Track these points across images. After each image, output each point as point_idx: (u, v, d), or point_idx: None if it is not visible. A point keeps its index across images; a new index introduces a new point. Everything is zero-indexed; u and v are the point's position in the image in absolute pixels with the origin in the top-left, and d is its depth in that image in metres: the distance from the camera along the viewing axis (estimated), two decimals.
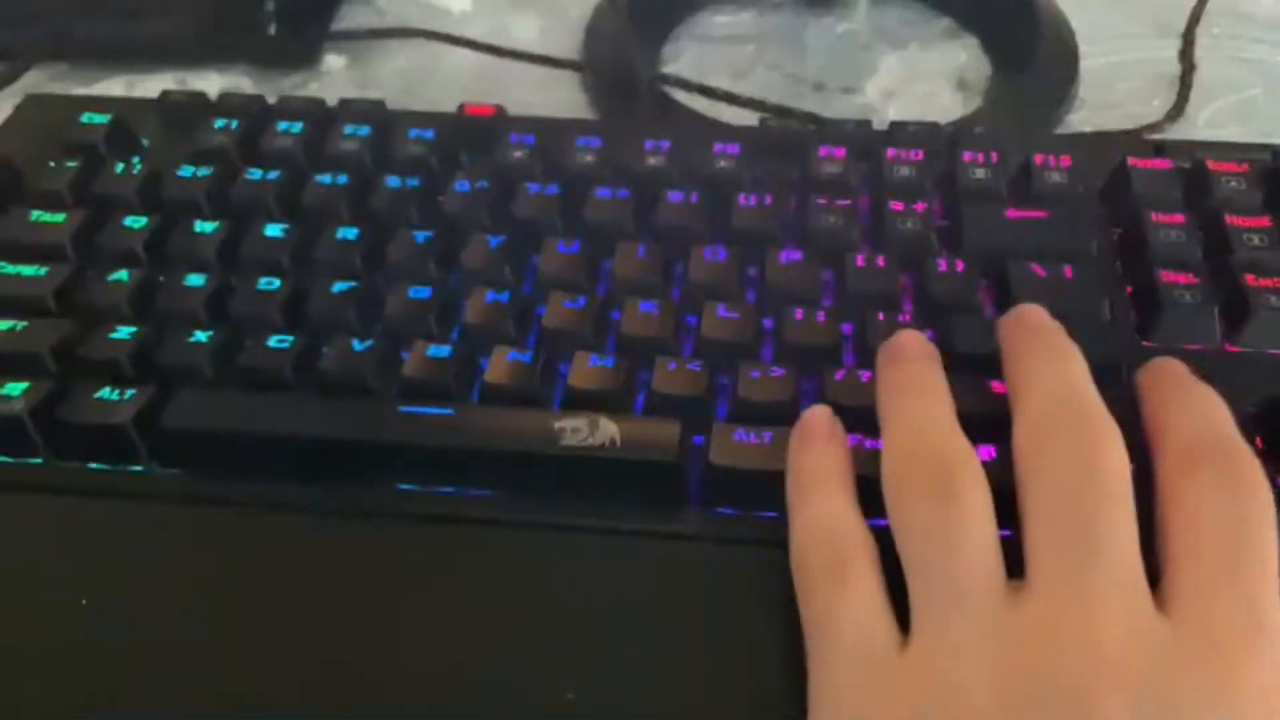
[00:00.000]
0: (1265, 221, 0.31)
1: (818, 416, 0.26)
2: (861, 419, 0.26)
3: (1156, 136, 0.41)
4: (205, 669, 0.25)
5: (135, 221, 0.33)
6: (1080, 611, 0.21)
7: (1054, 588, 0.22)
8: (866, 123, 0.36)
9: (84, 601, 0.26)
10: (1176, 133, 0.42)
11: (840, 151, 0.34)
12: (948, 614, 0.22)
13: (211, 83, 0.47)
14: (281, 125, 0.36)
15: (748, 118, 0.42)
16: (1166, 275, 0.30)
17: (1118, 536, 0.22)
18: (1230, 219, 0.31)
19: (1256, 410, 0.27)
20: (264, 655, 0.25)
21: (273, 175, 0.34)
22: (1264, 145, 0.35)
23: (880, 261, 0.31)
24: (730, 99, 0.43)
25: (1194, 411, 0.24)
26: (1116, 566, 0.22)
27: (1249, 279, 0.29)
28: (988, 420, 0.25)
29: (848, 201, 0.33)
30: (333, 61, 0.48)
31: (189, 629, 0.25)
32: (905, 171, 0.34)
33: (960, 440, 0.24)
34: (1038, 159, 0.33)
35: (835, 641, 0.23)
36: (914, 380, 0.26)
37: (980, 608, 0.22)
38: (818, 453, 0.26)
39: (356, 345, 0.29)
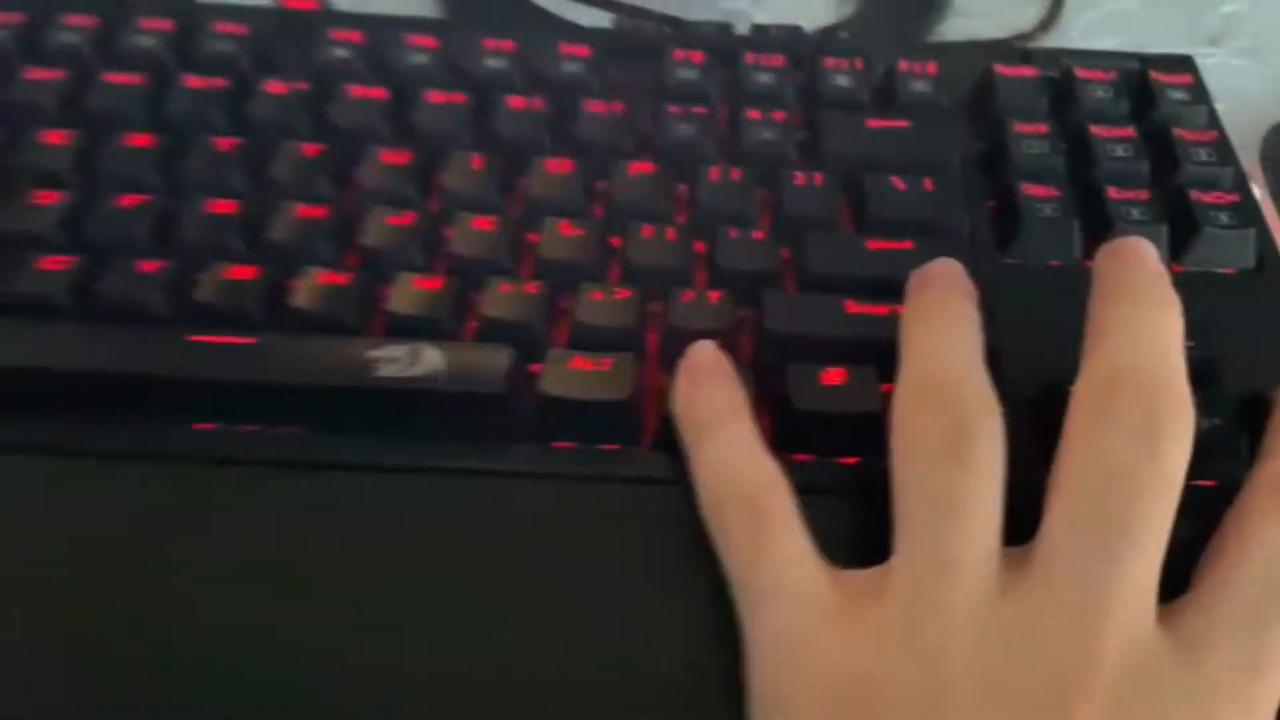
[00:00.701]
0: (1130, 132, 0.30)
1: (704, 351, 0.24)
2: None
3: (1030, 46, 0.40)
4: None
5: None
6: (1080, 614, 0.20)
7: (1059, 580, 0.20)
8: (728, 26, 0.34)
9: None
10: (1050, 43, 0.41)
11: (697, 56, 0.32)
12: (935, 579, 0.20)
13: None
14: (68, 19, 0.31)
15: (604, 20, 0.39)
16: (1027, 188, 0.28)
17: (1145, 547, 0.20)
18: (1095, 130, 0.30)
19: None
20: (39, 614, 0.22)
21: (57, 75, 0.30)
22: (1133, 54, 0.34)
23: (735, 174, 0.29)
24: None
25: None
26: (1132, 577, 0.20)
27: (1111, 192, 0.28)
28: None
29: (703, 110, 0.30)
30: None
31: None
32: (764, 78, 0.31)
33: (981, 381, 0.22)
34: (902, 66, 0.31)
35: (772, 598, 0.21)
36: (936, 308, 0.24)
37: (971, 580, 0.20)
38: (710, 390, 0.24)
39: (143, 266, 0.25)
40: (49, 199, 0.27)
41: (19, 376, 0.24)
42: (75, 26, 0.31)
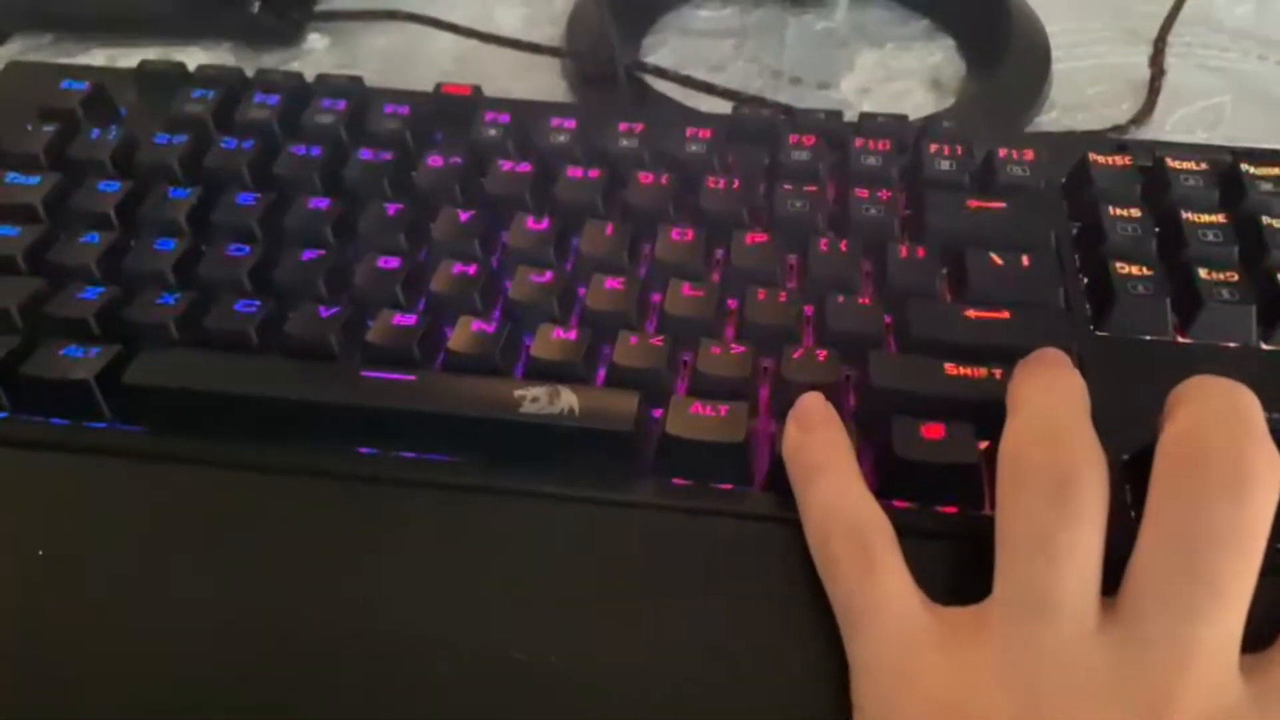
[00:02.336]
0: (1220, 218, 0.32)
1: (813, 401, 0.27)
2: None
3: (1124, 138, 0.42)
4: (161, 626, 0.25)
5: (108, 186, 0.33)
6: (1166, 662, 0.21)
7: (1147, 631, 0.21)
8: (837, 113, 0.37)
9: (40, 553, 0.26)
10: (1144, 136, 0.43)
11: (809, 139, 0.35)
12: (1033, 619, 0.22)
13: (194, 58, 0.46)
14: (258, 97, 0.36)
15: (723, 108, 0.42)
16: (1121, 266, 0.30)
17: (1229, 597, 0.21)
18: (1186, 215, 0.32)
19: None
20: (221, 615, 0.25)
21: (247, 145, 0.34)
22: (1224, 147, 0.36)
23: (843, 246, 0.31)
24: (706, 88, 0.43)
25: None
26: (1219, 627, 0.21)
27: (1201, 273, 0.30)
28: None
29: (814, 188, 0.33)
30: (315, 41, 0.48)
31: (145, 585, 0.26)
32: (872, 161, 0.34)
33: (1090, 438, 0.23)
34: (1001, 152, 0.34)
35: (876, 626, 0.23)
36: (1047, 374, 0.25)
37: (1067, 622, 0.22)
38: (820, 436, 0.26)
39: (322, 311, 0.29)
40: (242, 252, 0.31)
41: (214, 400, 0.28)
42: (264, 104, 0.36)
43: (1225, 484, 0.21)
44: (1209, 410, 0.23)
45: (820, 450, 0.26)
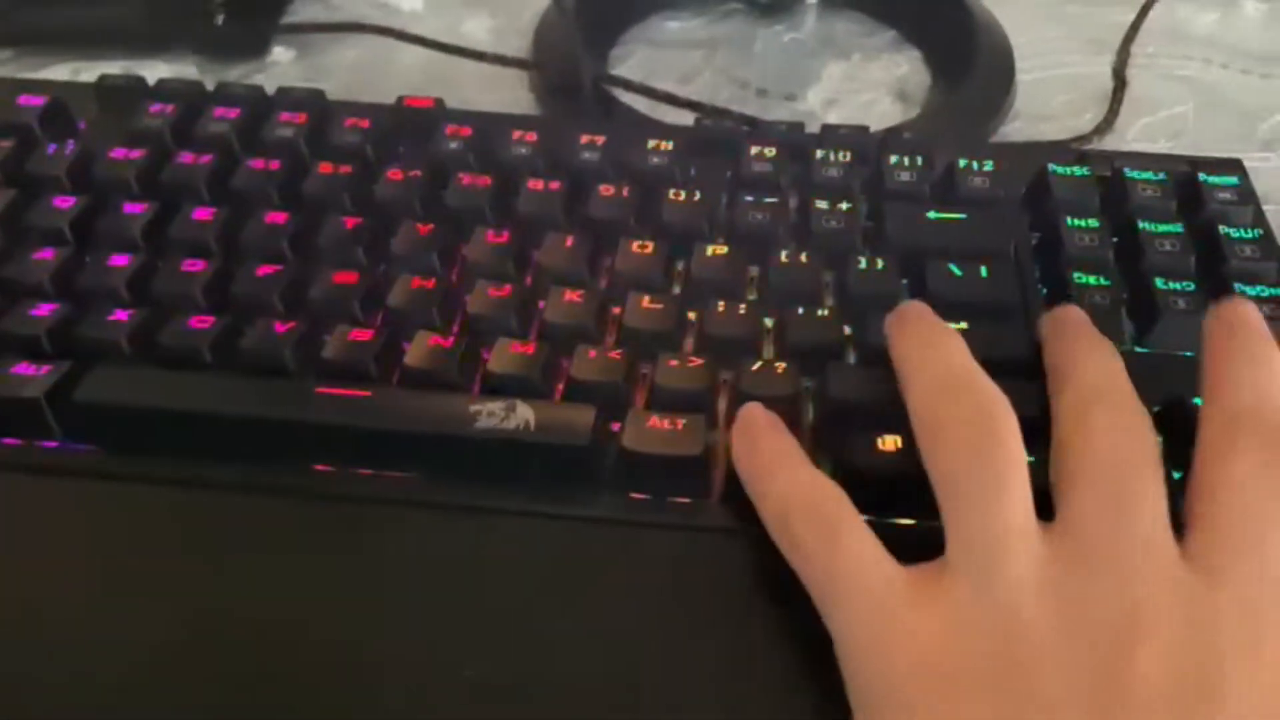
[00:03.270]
0: (1178, 228, 0.32)
1: (754, 411, 0.27)
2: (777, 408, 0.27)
3: (1086, 148, 0.42)
4: (112, 646, 0.25)
5: (64, 201, 0.33)
6: (1115, 563, 0.22)
7: (1090, 537, 0.23)
8: (799, 125, 0.37)
9: None
10: (1107, 146, 0.43)
11: (771, 151, 0.35)
12: (992, 548, 0.23)
13: (158, 71, 0.46)
14: (217, 110, 0.36)
15: (689, 119, 0.42)
16: (1079, 277, 0.30)
17: (1150, 498, 0.23)
18: (1144, 225, 0.32)
19: (1159, 410, 0.28)
20: (175, 633, 0.25)
21: (205, 159, 0.34)
22: (1183, 157, 0.36)
23: (803, 257, 0.31)
24: (671, 100, 0.43)
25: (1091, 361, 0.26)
26: (1148, 524, 0.23)
27: (1159, 282, 0.30)
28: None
29: (775, 199, 0.33)
30: (281, 54, 0.48)
31: (98, 605, 0.25)
32: (833, 172, 0.34)
33: (985, 376, 0.25)
34: (961, 163, 0.34)
35: (852, 593, 0.23)
36: (923, 331, 0.27)
37: (1023, 551, 0.22)
38: (766, 442, 0.26)
39: (278, 327, 0.29)
40: (197, 267, 0.31)
41: (167, 418, 0.27)
42: (223, 117, 0.36)
43: (1120, 432, 0.24)
44: (1088, 381, 0.25)
45: (768, 454, 0.26)
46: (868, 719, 0.22)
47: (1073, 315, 0.28)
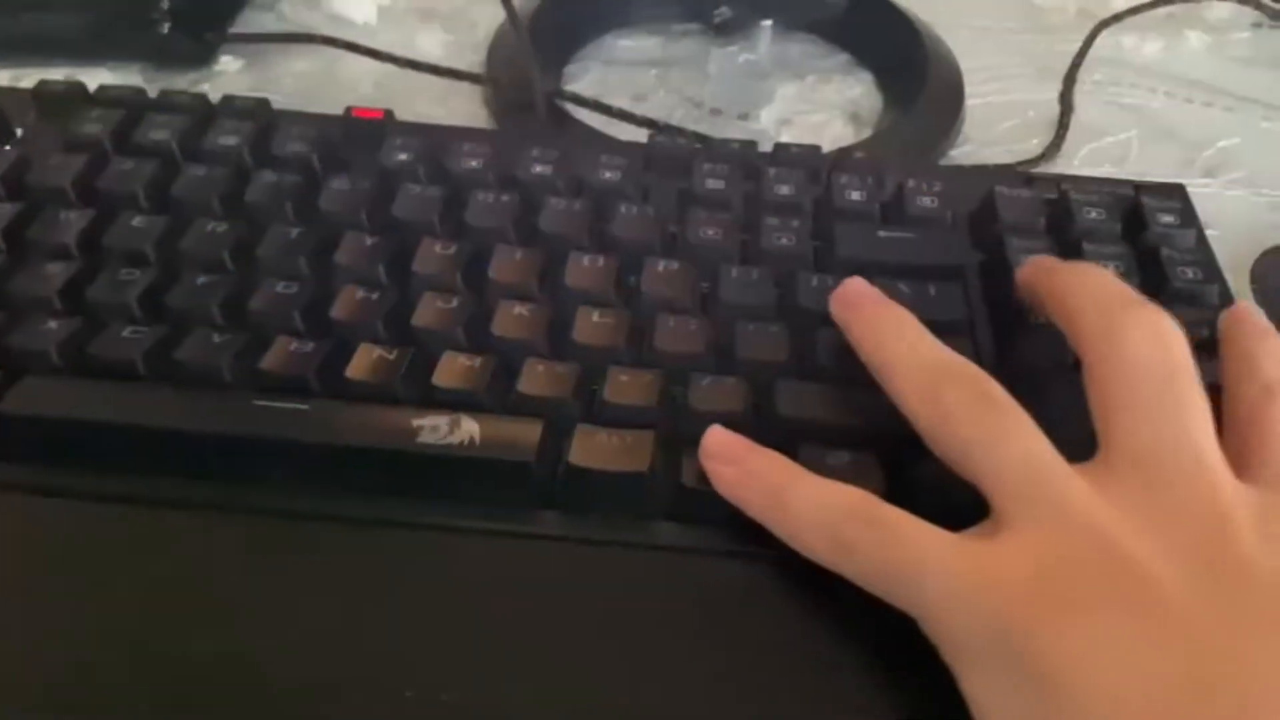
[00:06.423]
0: (1121, 250, 0.32)
1: (724, 435, 0.26)
2: (725, 424, 0.27)
3: (1033, 171, 0.43)
4: (45, 667, 0.24)
5: None
6: (1179, 471, 0.23)
7: (1141, 456, 0.23)
8: (752, 143, 0.37)
9: None
10: (1054, 170, 0.44)
11: (723, 169, 0.35)
12: (1048, 485, 0.23)
13: (102, 79, 0.45)
14: (159, 117, 0.35)
15: (642, 137, 0.42)
16: (1020, 297, 0.30)
17: (1196, 416, 0.24)
18: (1087, 246, 0.32)
19: None
20: (107, 654, 0.24)
21: (145, 166, 0.33)
22: (1128, 181, 0.36)
23: (754, 273, 0.31)
24: (625, 117, 0.43)
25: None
26: (1200, 442, 0.23)
27: None
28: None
29: (727, 216, 0.33)
30: (229, 64, 0.47)
31: (27, 624, 0.24)
32: (785, 190, 0.34)
33: (964, 359, 0.26)
34: (910, 184, 0.34)
35: (928, 574, 0.23)
36: (889, 321, 0.27)
37: (1069, 477, 0.23)
38: (758, 461, 0.26)
39: (215, 337, 0.28)
40: (133, 275, 0.30)
41: (97, 430, 0.26)
42: (165, 124, 0.35)
43: (1153, 348, 0.25)
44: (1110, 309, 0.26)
45: (770, 471, 0.26)
46: (979, 665, 0.22)
47: (1048, 259, 0.30)
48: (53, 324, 0.28)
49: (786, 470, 0.26)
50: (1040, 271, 0.29)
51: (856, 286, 0.29)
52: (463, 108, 0.46)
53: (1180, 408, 0.24)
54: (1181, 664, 0.21)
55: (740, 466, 0.26)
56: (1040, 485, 0.23)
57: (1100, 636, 0.21)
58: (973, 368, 0.25)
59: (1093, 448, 0.24)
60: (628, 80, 0.48)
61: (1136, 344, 0.24)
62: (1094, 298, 0.26)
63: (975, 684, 0.22)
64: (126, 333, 0.28)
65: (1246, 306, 0.29)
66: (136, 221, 0.31)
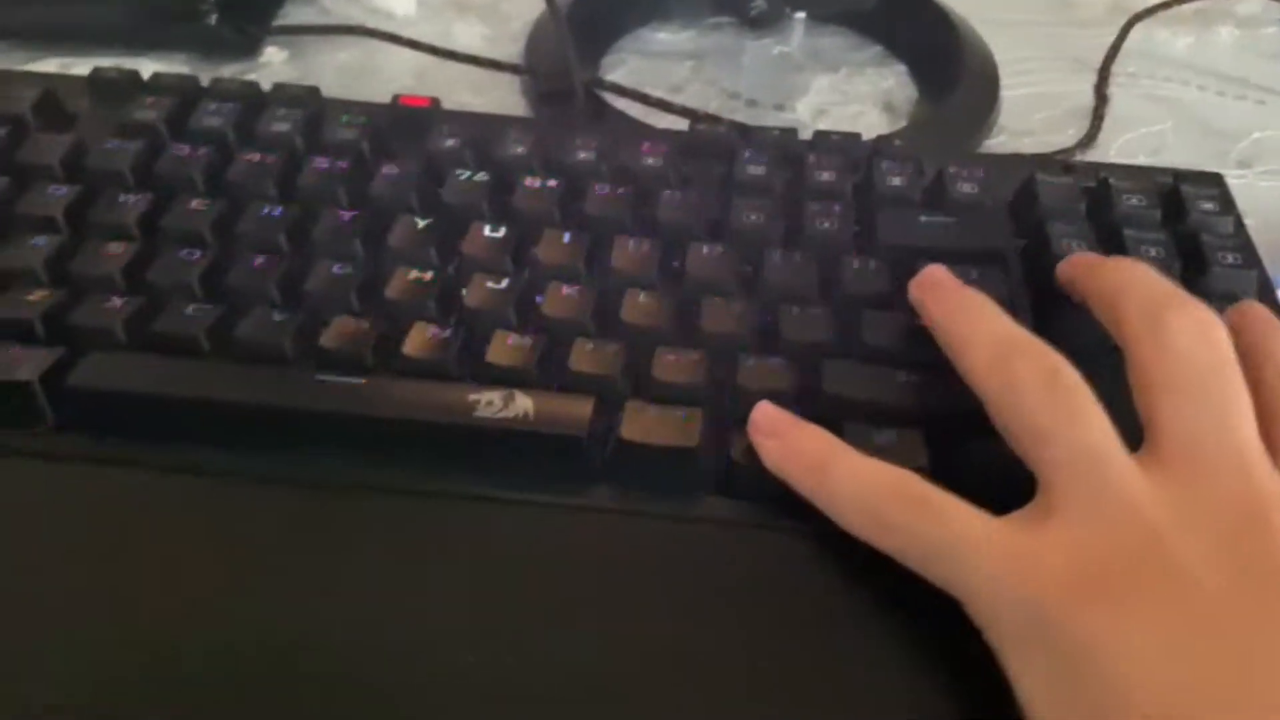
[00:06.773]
0: (1162, 236, 0.33)
1: (771, 409, 0.27)
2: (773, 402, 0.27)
3: (1069, 160, 0.43)
4: (108, 633, 0.24)
5: (57, 190, 0.33)
6: (1225, 462, 0.23)
7: (1188, 447, 0.24)
8: (792, 131, 0.37)
9: None
10: (1088, 159, 0.44)
11: (764, 156, 0.35)
12: (1099, 472, 0.23)
13: (149, 69, 0.46)
14: (212, 104, 0.36)
15: (680, 126, 0.43)
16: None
17: (1242, 409, 0.24)
18: (1128, 232, 0.33)
19: None
20: (169, 620, 0.25)
21: (200, 151, 0.34)
22: (1166, 169, 0.37)
23: (797, 258, 0.32)
24: (664, 106, 0.44)
25: None
26: (1241, 423, 0.24)
27: None
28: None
29: (769, 201, 0.34)
30: (273, 55, 0.48)
31: (91, 592, 0.25)
32: (825, 176, 0.35)
33: (1032, 335, 0.26)
34: (951, 169, 0.34)
35: (969, 551, 0.24)
36: (965, 301, 0.28)
37: (1124, 465, 0.24)
38: (802, 434, 0.26)
39: (275, 315, 0.29)
40: (193, 256, 0.31)
41: (162, 404, 0.27)
42: (218, 111, 0.36)
43: (1199, 341, 0.25)
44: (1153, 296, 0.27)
45: (814, 446, 0.26)
46: (1021, 649, 0.23)
47: (1089, 255, 0.30)
48: (116, 302, 0.29)
49: (831, 446, 0.26)
50: (1081, 268, 0.29)
51: (936, 272, 0.29)
52: (501, 97, 0.47)
53: (1225, 400, 0.24)
54: (1219, 654, 0.21)
55: (786, 441, 0.26)
56: (1097, 476, 0.23)
57: (1140, 626, 0.22)
58: (1048, 347, 0.25)
59: (1131, 431, 0.25)
60: (663, 73, 0.49)
61: (1181, 338, 0.25)
62: (1137, 295, 0.26)
63: (1017, 666, 0.23)
64: (189, 310, 0.29)
65: (1251, 303, 0.29)
66: (194, 204, 0.32)
